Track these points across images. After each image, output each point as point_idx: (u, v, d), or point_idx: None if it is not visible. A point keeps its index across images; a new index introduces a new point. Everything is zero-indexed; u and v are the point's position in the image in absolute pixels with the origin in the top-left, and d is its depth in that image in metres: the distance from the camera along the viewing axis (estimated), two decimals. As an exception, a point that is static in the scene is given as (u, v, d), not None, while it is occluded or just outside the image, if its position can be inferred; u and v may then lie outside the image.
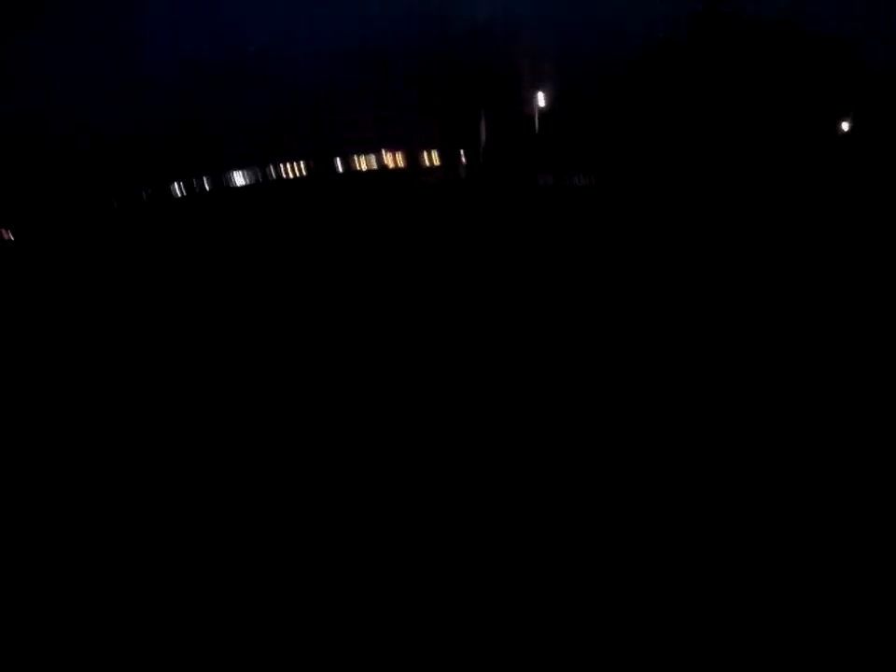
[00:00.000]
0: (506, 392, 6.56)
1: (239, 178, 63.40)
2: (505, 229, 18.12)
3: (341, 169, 57.42)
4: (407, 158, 57.74)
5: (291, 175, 62.37)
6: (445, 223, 22.49)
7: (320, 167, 62.43)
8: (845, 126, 26.33)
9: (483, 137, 45.16)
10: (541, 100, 41.88)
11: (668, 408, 6.45)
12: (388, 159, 60.30)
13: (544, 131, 38.73)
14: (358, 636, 3.55)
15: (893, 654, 3.54)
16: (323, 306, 10.59)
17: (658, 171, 32.34)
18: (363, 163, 60.99)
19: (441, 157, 51.22)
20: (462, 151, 51.81)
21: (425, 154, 55.92)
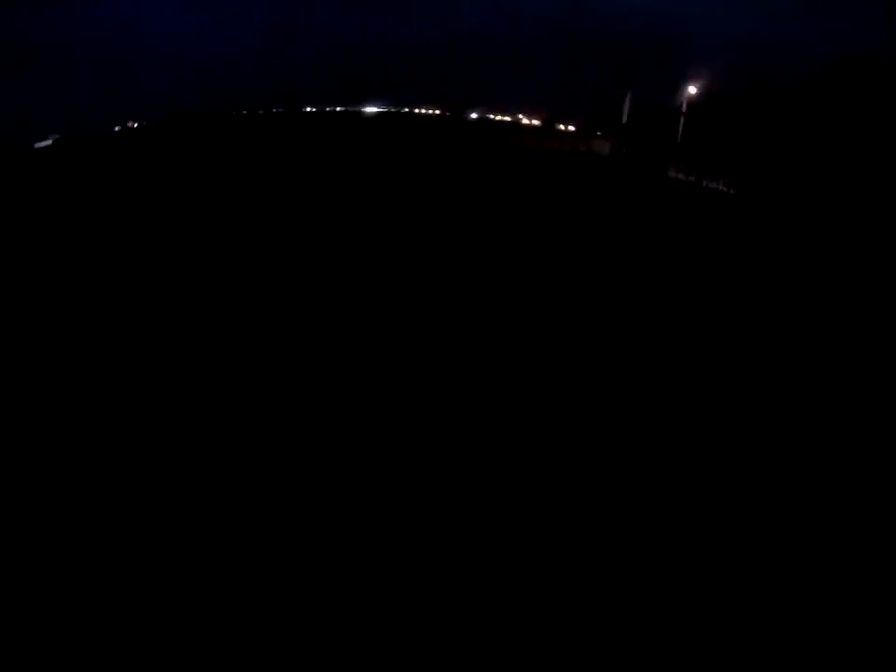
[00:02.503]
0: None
1: (372, 108, 61.63)
2: (628, 216, 16.18)
3: (474, 116, 55.50)
4: (543, 121, 55.29)
5: (421, 112, 60.29)
6: (571, 193, 20.11)
7: (454, 112, 60.03)
8: None
9: (625, 119, 43.08)
10: (691, 94, 38.80)
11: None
12: (525, 118, 57.66)
13: (689, 126, 36.22)
14: (357, 636, 3.24)
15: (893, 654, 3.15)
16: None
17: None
18: (497, 117, 58.50)
19: (576, 128, 48.92)
20: (599, 130, 49.24)
21: (561, 124, 53.61)
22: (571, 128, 47.64)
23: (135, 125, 38.88)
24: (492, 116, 49.14)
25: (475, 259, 10.32)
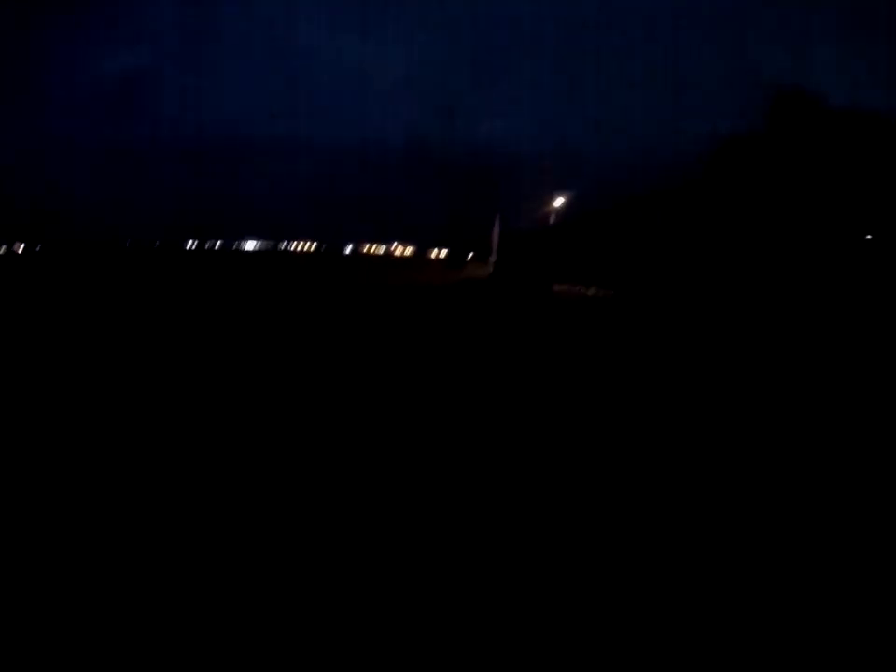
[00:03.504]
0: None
1: (249, 245, 62.87)
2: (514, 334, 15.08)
3: (348, 251, 57.82)
4: (416, 251, 58.46)
5: (299, 249, 62.00)
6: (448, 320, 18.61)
7: (329, 248, 62.01)
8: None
9: (496, 240, 46.01)
10: (559, 205, 41.47)
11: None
12: (398, 249, 60.76)
13: (561, 237, 38.66)
14: (356, 634, 3.33)
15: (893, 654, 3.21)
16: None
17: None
18: (371, 249, 61.29)
19: (449, 255, 51.78)
20: (471, 252, 52.08)
21: (434, 251, 56.90)
22: (443, 254, 50.10)
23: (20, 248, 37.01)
24: (366, 248, 51.31)
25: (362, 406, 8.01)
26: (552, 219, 45.02)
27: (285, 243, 51.41)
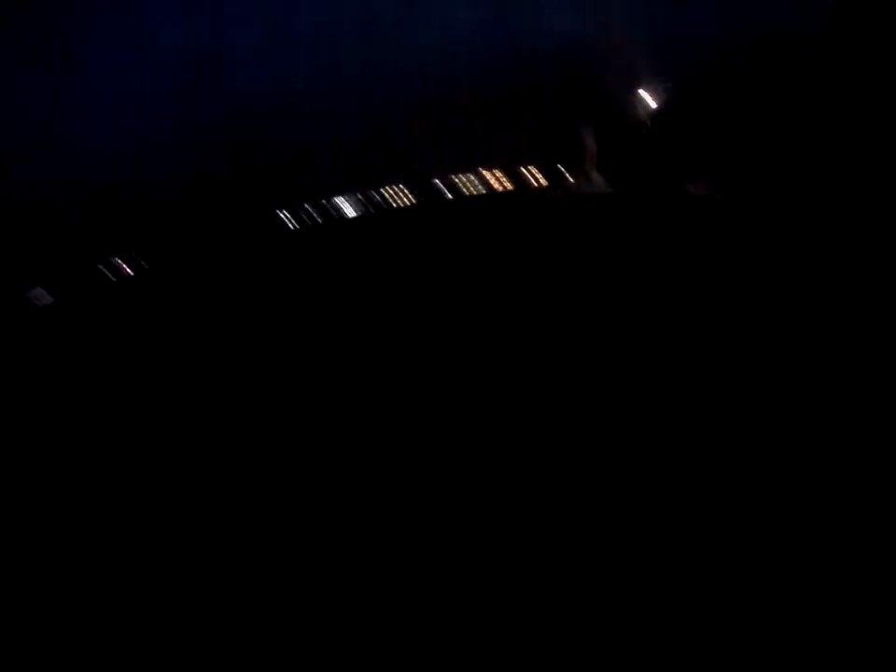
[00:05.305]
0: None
1: (347, 208, 62.74)
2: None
3: (449, 195, 56.66)
4: (509, 177, 56.56)
5: (397, 204, 61.14)
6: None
7: (424, 192, 60.85)
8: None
9: (591, 146, 44.27)
10: (648, 97, 39.46)
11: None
12: (490, 178, 58.94)
13: (660, 129, 36.08)
14: (357, 635, 3.42)
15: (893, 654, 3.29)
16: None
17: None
18: (466, 184, 59.70)
19: (543, 174, 50.25)
20: (562, 165, 50.35)
21: (524, 172, 54.96)
22: (539, 175, 47.78)
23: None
24: (462, 186, 49.56)
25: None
26: (646, 110, 42.29)
27: (372, 192, 49.59)
